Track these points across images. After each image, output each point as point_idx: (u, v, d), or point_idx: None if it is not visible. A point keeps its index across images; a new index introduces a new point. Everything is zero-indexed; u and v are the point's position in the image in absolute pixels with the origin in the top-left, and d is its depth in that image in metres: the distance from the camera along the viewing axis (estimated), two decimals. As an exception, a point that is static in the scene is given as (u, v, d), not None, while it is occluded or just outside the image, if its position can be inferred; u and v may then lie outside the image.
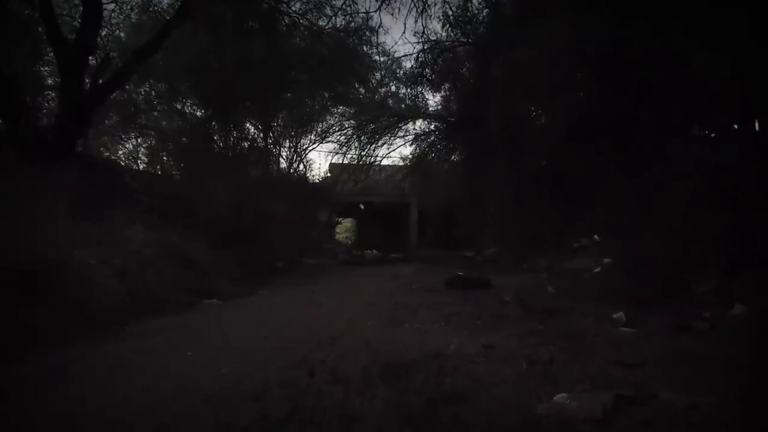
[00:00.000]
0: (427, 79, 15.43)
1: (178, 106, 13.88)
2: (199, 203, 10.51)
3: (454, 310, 6.55)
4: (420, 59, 14.84)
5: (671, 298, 6.30)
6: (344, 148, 19.69)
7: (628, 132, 10.26)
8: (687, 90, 8.70)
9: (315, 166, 33.02)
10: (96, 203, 8.26)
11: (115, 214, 8.43)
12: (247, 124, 16.81)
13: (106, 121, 12.88)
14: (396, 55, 19.61)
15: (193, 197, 10.66)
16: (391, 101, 18.40)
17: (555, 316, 6.09)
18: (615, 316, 5.80)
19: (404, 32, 19.89)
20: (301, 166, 21.11)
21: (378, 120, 18.21)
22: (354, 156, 20.73)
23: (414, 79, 15.90)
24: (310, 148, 20.96)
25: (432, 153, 19.81)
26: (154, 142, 13.62)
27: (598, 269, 9.65)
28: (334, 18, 13.33)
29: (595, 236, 11.69)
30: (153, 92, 13.50)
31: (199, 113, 14.55)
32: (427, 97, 20.03)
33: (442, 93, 16.08)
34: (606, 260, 9.90)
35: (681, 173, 8.42)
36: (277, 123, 17.75)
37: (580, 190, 12.76)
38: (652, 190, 8.53)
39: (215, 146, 13.75)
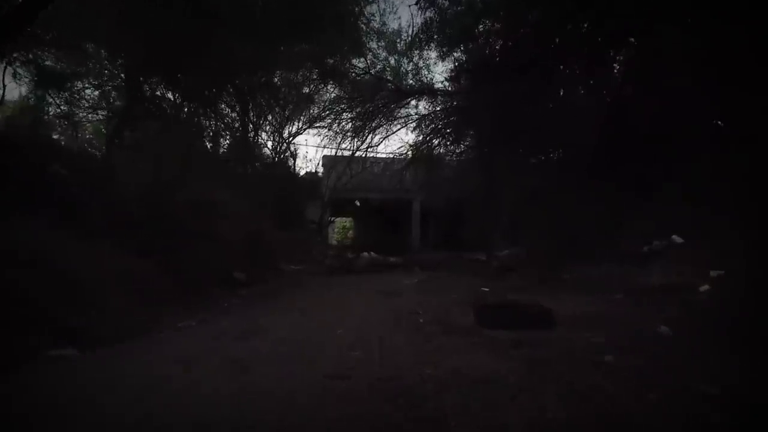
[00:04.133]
0: (434, 38, 11.65)
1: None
2: (105, 185, 6.82)
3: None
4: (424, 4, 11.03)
5: None
6: (333, 128, 15.87)
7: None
8: None
9: (307, 159, 28.82)
10: None
11: None
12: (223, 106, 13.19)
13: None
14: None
15: (98, 176, 6.96)
16: (389, 74, 14.62)
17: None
18: None
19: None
20: (288, 157, 17.53)
21: (374, 98, 14.47)
22: (347, 143, 16.97)
23: (417, 40, 12.15)
24: (298, 132, 17.21)
25: (437, 138, 16.05)
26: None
27: (705, 287, 5.96)
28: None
29: (674, 236, 7.96)
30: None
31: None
32: (432, 71, 16.07)
33: (456, 54, 12.23)
34: (714, 272, 6.21)
35: None
36: (254, 100, 13.98)
37: (650, 172, 9.06)
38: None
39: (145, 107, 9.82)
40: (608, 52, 9.82)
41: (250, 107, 13.92)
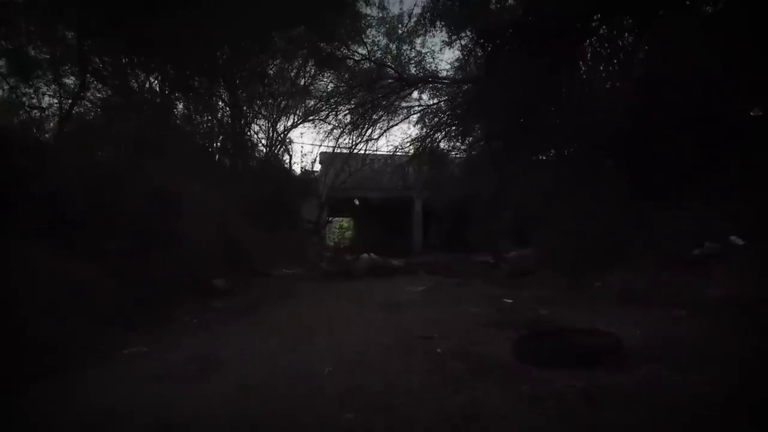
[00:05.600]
0: (441, 17, 10.25)
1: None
2: (44, 172, 5.43)
3: None
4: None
5: None
6: (330, 120, 14.45)
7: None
8: None
9: (303, 155, 27.11)
10: None
11: None
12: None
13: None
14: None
15: (37, 162, 5.58)
16: (390, 60, 13.21)
17: None
18: None
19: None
20: (282, 152, 16.09)
21: (374, 88, 13.07)
22: (346, 137, 15.57)
23: (422, 21, 10.76)
24: (294, 125, 15.77)
25: (442, 132, 14.66)
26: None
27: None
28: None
29: (733, 237, 6.56)
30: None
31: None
32: (437, 58, 14.61)
33: (466, 36, 10.81)
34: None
35: None
36: (242, 84, 12.53)
37: (696, 160, 7.68)
38: None
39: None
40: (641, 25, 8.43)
41: (239, 93, 12.48)
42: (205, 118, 11.19)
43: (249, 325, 5.29)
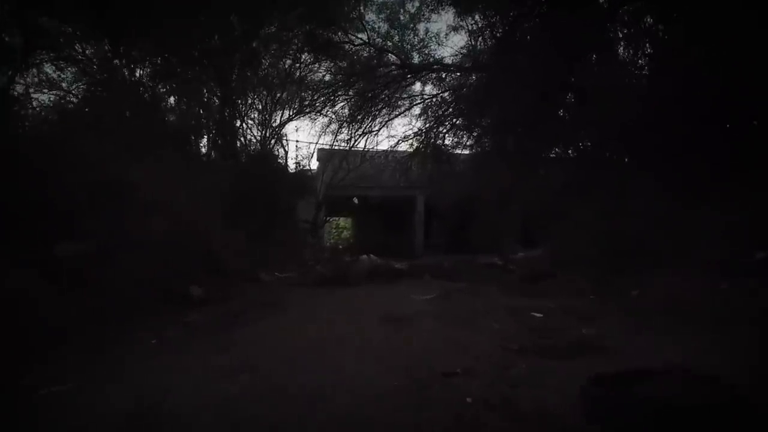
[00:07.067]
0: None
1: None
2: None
3: None
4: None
5: None
6: (327, 112, 13.27)
7: None
8: None
9: (298, 149, 25.83)
10: None
11: None
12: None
13: None
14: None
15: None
16: (392, 46, 12.04)
17: None
18: None
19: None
20: (276, 147, 14.86)
21: (374, 76, 11.90)
22: (345, 131, 14.39)
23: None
24: (289, 118, 14.55)
25: (446, 126, 13.48)
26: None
27: None
28: None
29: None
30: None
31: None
32: (443, 43, 13.33)
33: (476, 19, 9.69)
34: None
35: None
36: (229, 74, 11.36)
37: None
38: None
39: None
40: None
41: (228, 80, 11.32)
42: (183, 101, 9.97)
43: (216, 352, 4.10)
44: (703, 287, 5.51)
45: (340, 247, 21.44)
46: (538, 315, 5.34)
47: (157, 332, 4.99)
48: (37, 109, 6.42)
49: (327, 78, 13.67)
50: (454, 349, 3.96)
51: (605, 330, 4.48)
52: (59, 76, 7.37)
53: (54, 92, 7.28)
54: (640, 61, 8.10)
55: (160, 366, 3.77)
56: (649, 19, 7.90)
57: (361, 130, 13.94)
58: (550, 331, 4.50)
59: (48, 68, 7.24)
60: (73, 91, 7.32)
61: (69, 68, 7.44)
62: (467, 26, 10.91)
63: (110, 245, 5.64)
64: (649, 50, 7.93)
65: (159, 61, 8.84)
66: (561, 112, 8.64)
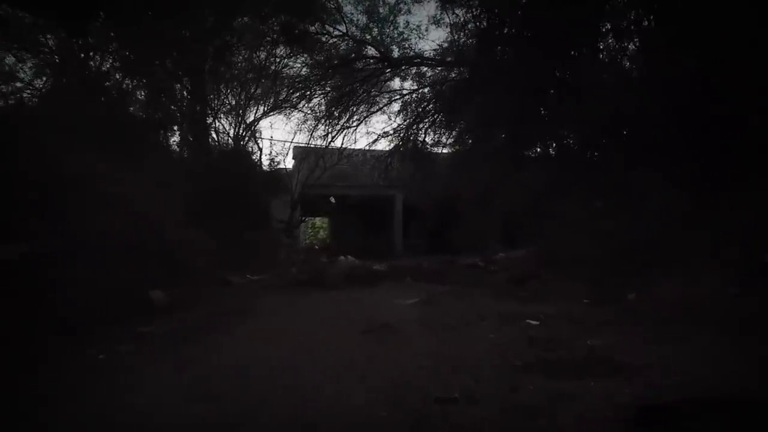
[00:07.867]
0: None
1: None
2: None
3: None
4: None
5: None
6: (303, 107, 12.65)
7: None
8: None
9: (272, 146, 25.08)
10: None
11: None
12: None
13: None
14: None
15: None
16: (370, 39, 11.49)
17: None
18: None
19: None
20: (249, 144, 14.14)
21: (352, 68, 11.33)
22: (321, 127, 13.78)
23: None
24: (264, 114, 13.86)
25: (426, 123, 13.03)
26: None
27: None
28: None
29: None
30: None
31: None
32: (424, 37, 12.92)
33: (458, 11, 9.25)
34: None
35: None
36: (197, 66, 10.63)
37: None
38: None
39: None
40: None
41: (202, 71, 10.61)
42: (150, 94, 9.22)
43: (170, 373, 3.47)
44: (708, 291, 5.13)
45: (317, 247, 20.74)
46: (533, 322, 4.86)
47: (107, 346, 4.33)
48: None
49: (303, 72, 13.11)
50: (447, 366, 3.43)
51: (612, 340, 4.02)
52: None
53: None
54: (627, 63, 7.77)
55: (99, 392, 3.12)
56: (639, 11, 7.54)
57: (339, 126, 13.30)
58: (552, 342, 4.01)
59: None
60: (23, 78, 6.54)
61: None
62: (449, 19, 10.45)
63: (59, 246, 4.95)
64: (638, 44, 7.58)
65: (126, 54, 8.11)
66: (544, 110, 8.22)
